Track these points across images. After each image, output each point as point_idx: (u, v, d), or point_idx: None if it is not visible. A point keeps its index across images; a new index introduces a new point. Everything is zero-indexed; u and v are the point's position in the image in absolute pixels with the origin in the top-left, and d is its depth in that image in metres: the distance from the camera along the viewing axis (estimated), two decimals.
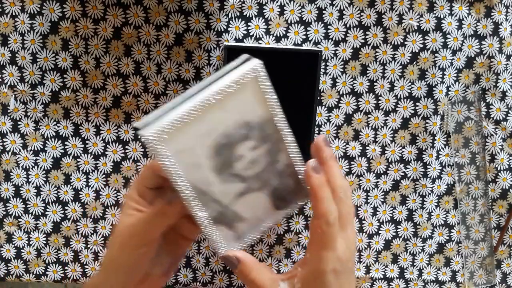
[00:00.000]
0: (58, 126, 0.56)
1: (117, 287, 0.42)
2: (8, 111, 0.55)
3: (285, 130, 0.43)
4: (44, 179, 0.57)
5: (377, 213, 0.58)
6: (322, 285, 0.44)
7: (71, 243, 0.58)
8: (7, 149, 0.56)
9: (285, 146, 0.44)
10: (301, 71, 0.51)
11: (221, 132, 0.41)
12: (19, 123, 0.55)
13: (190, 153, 0.41)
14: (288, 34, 0.53)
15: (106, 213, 0.58)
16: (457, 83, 0.55)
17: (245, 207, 0.44)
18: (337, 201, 0.42)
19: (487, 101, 0.56)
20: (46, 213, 0.57)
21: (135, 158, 0.56)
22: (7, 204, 0.57)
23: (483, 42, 0.54)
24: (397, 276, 0.59)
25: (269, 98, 0.42)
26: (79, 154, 0.56)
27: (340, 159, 0.56)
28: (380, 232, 0.58)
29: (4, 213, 0.57)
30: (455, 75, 0.55)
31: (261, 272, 0.43)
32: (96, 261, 0.58)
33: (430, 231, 0.58)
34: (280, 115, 0.42)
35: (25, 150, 0.56)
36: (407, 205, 0.58)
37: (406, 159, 0.57)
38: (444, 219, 0.58)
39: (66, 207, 0.57)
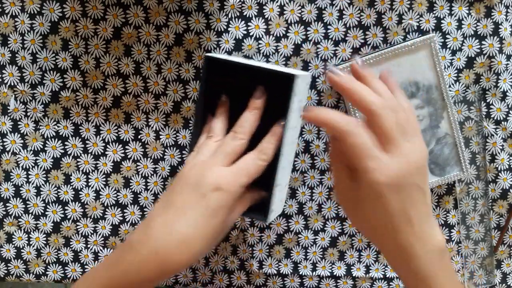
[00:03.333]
0: (58, 126, 0.56)
1: None
2: (8, 111, 0.55)
3: (450, 100, 0.51)
4: (44, 179, 0.57)
5: None
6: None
7: (71, 243, 0.58)
8: (7, 149, 0.56)
9: (448, 115, 0.51)
10: (276, 92, 0.45)
11: None
12: (19, 123, 0.55)
13: None
14: (288, 34, 0.53)
15: (106, 213, 0.58)
16: (457, 83, 0.55)
17: None
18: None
19: (488, 101, 0.56)
20: (46, 213, 0.57)
21: (135, 158, 0.56)
22: (7, 204, 0.57)
23: (483, 42, 0.54)
24: (397, 276, 0.59)
25: (439, 66, 0.51)
26: (79, 154, 0.56)
27: None
28: None
29: (4, 213, 0.57)
30: (455, 75, 0.55)
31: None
32: (96, 261, 0.58)
33: None
34: (447, 85, 0.50)
35: (25, 150, 0.56)
36: None
37: None
38: (444, 219, 0.58)
39: (66, 207, 0.57)
